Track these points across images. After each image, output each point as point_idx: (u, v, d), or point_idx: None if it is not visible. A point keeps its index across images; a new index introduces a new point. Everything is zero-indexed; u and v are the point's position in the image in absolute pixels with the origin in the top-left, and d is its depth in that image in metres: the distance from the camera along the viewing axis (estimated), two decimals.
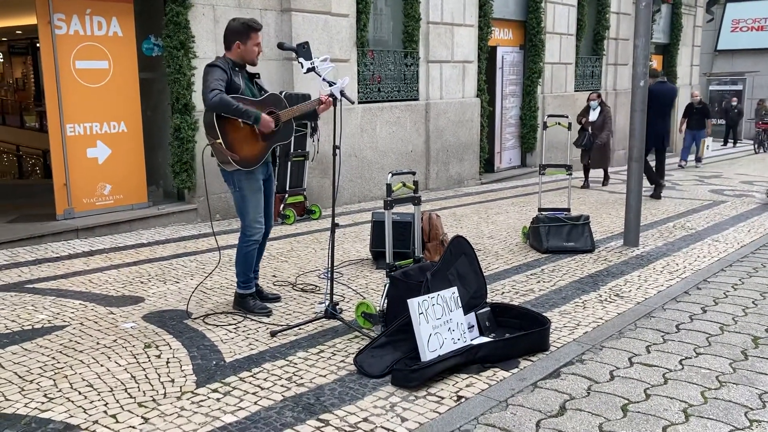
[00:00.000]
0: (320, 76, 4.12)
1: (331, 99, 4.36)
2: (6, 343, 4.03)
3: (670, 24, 18.09)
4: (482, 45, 11.52)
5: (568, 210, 6.87)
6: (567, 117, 7.17)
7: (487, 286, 4.42)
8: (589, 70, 14.74)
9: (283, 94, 6.91)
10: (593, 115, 11.33)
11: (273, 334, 4.20)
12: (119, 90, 7.37)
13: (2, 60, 19.15)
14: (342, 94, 4.09)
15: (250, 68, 4.56)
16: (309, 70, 4.13)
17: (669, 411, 3.27)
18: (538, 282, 5.54)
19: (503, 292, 5.22)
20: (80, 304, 4.81)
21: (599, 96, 11.49)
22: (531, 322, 4.17)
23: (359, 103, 9.41)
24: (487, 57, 11.73)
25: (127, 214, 7.43)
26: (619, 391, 3.47)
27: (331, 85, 4.05)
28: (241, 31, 4.41)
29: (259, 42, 4.46)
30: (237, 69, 4.44)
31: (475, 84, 11.57)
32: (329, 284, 4.35)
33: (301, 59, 4.12)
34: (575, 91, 14.27)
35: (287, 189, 7.93)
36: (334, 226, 4.21)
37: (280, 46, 4.29)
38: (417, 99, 10.49)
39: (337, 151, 4.12)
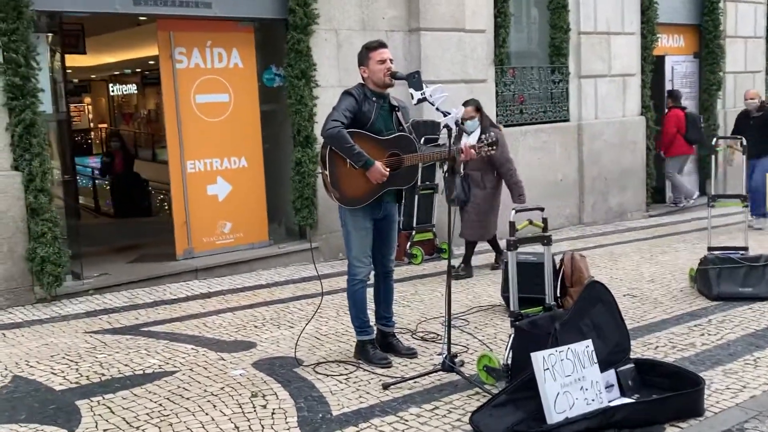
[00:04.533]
0: (434, 106, 4.33)
1: (472, 151, 4.68)
2: (117, 388, 4.52)
3: None
4: (646, 55, 11.29)
5: (746, 249, 6.56)
6: (741, 138, 6.87)
7: (635, 340, 4.36)
8: None
9: (411, 121, 7.17)
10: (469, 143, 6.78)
11: (385, 386, 4.38)
12: (240, 124, 8.00)
13: (136, 91, 21.01)
14: (457, 124, 4.27)
15: (393, 100, 4.81)
16: (420, 101, 4.35)
17: None
18: (702, 335, 5.34)
19: (657, 347, 5.08)
20: (192, 348, 5.28)
21: (477, 110, 7.34)
22: (683, 382, 4.06)
23: None
24: (652, 68, 11.47)
25: (247, 253, 8.00)
26: None
27: (445, 115, 4.25)
28: (361, 56, 4.76)
29: (384, 59, 4.63)
30: (374, 99, 4.69)
31: (639, 100, 11.34)
32: (446, 333, 4.48)
33: (411, 90, 4.35)
34: None
35: (414, 225, 8.15)
36: (450, 268, 4.35)
37: (393, 75, 4.55)
38: (567, 120, 10.44)
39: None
